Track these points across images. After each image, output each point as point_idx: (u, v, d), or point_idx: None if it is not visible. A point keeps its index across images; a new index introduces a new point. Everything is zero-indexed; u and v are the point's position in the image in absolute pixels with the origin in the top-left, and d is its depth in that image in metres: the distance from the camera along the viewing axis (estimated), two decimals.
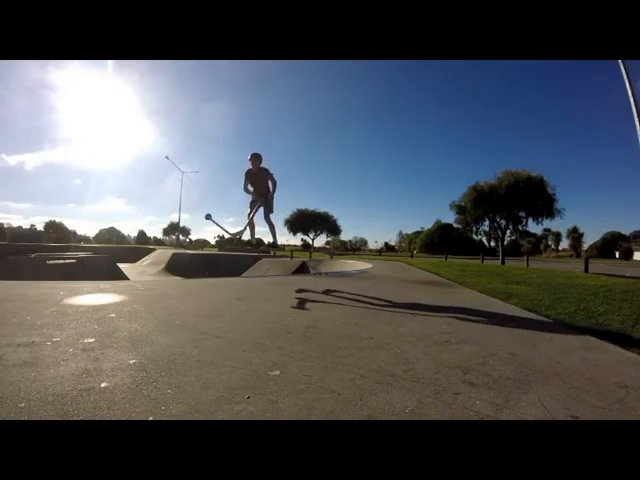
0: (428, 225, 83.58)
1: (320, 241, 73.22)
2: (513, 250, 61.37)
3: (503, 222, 29.17)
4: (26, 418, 2.42)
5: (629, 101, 13.05)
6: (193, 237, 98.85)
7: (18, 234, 68.53)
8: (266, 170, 10.17)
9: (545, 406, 2.81)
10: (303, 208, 62.38)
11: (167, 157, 69.27)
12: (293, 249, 52.92)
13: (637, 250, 61.76)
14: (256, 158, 9.89)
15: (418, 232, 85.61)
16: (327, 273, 17.83)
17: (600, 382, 3.35)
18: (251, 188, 10.44)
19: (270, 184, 10.31)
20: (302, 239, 70.91)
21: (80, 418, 2.44)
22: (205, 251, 51.38)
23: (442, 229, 76.48)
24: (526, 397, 2.99)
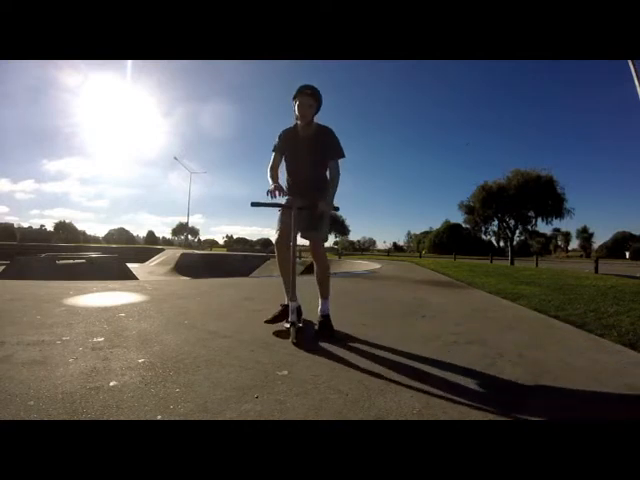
0: (437, 225, 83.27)
1: (329, 241, 73.15)
2: (522, 250, 60.88)
3: (512, 222, 28.99)
4: (35, 416, 2.44)
5: (638, 99, 12.92)
6: (202, 237, 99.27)
7: (28, 234, 69.24)
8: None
9: (554, 408, 2.80)
10: None
11: (176, 158, 69.65)
12: (301, 249, 52.89)
13: None
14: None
15: (427, 232, 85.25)
16: (335, 273, 17.81)
17: (609, 384, 3.32)
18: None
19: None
20: None
21: (89, 416, 2.46)
22: (213, 251, 51.49)
23: (451, 229, 76.10)
24: (535, 399, 2.97)
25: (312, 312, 6.28)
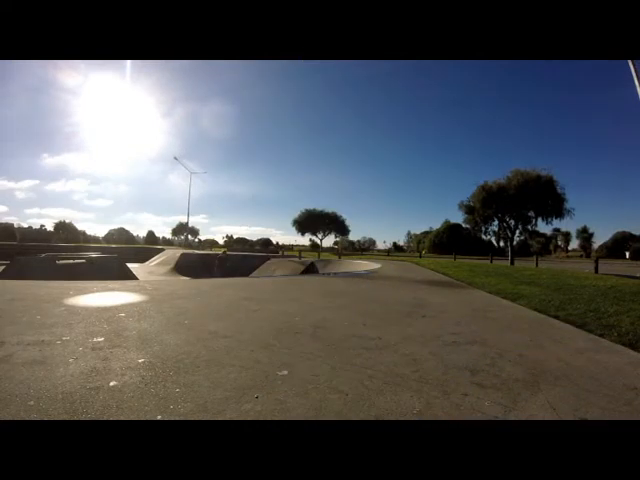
0: (437, 225, 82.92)
1: (329, 241, 72.53)
2: (522, 250, 60.72)
3: (512, 222, 28.91)
4: (35, 416, 2.44)
5: (639, 100, 12.92)
6: (202, 237, 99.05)
7: (28, 234, 69.16)
8: None
9: (554, 408, 2.80)
10: (311, 208, 61.88)
11: (176, 158, 69.59)
12: (301, 249, 52.81)
13: None
14: None
15: (427, 232, 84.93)
16: (336, 273, 17.80)
17: (609, 384, 3.32)
18: None
19: None
20: (310, 239, 70.50)
21: (89, 417, 2.46)
22: (214, 251, 51.45)
23: (451, 229, 75.74)
24: (534, 399, 2.97)
25: (312, 311, 6.29)
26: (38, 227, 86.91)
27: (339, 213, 63.56)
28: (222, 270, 20.10)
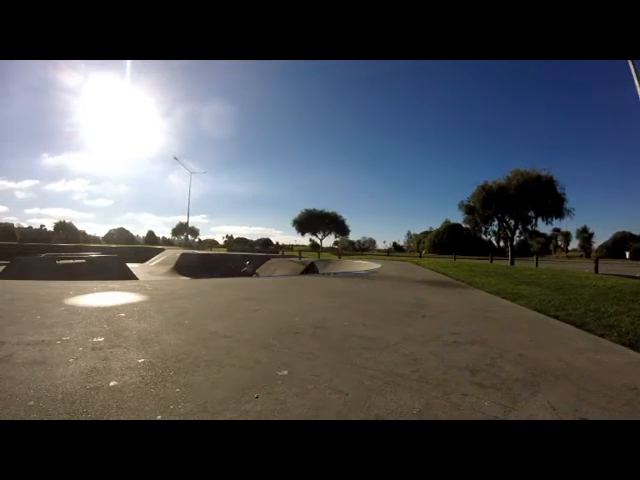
0: (437, 225, 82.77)
1: (329, 241, 72.36)
2: (522, 250, 60.66)
3: (512, 222, 28.89)
4: (35, 416, 2.44)
5: (639, 100, 12.91)
6: (202, 237, 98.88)
7: (28, 234, 69.18)
8: None
9: (554, 408, 2.80)
10: (311, 208, 61.77)
11: (176, 158, 69.56)
12: (301, 249, 52.77)
13: None
14: None
15: (427, 232, 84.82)
16: (336, 273, 17.79)
17: (609, 384, 3.32)
18: None
19: None
20: (310, 239, 70.31)
21: (89, 417, 2.46)
22: (214, 251, 51.42)
23: (451, 229, 75.61)
24: (534, 399, 2.97)
25: (312, 311, 6.29)
26: (38, 227, 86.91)
27: (339, 213, 63.46)
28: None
